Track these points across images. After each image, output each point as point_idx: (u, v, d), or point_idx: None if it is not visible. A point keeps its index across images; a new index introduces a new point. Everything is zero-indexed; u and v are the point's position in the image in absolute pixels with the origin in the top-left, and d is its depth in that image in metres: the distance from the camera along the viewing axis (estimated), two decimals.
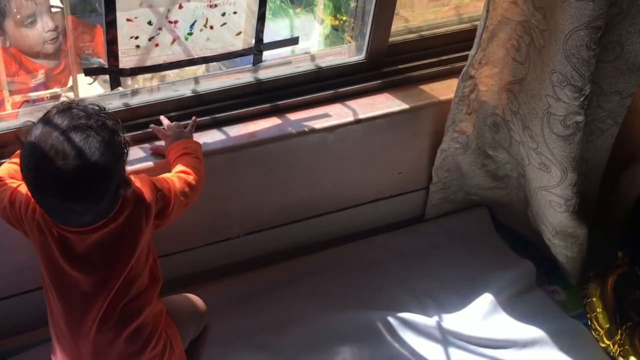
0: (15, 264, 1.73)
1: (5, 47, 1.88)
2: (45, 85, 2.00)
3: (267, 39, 1.79)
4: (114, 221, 1.41)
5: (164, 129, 1.71)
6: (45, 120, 1.34)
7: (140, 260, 1.48)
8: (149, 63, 1.67)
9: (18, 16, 1.84)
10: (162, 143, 1.71)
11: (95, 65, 1.83)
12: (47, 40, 1.91)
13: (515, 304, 2.06)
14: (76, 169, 1.29)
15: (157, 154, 1.72)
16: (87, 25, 2.01)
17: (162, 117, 1.73)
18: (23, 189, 1.43)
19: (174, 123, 1.71)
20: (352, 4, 1.98)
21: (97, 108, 1.38)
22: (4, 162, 1.55)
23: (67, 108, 1.35)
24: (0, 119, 1.70)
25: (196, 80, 1.86)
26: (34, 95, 1.83)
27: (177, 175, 1.57)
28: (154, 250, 1.55)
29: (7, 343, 1.83)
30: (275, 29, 2.19)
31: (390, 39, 1.96)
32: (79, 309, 1.45)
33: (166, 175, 1.56)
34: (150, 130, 1.71)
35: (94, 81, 1.94)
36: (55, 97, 1.89)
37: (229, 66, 2.03)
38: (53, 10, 1.96)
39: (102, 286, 1.44)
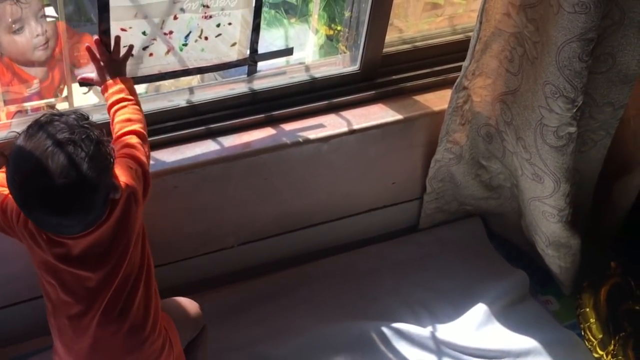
0: (10, 274, 1.73)
1: None
2: (39, 95, 2.00)
3: (261, 49, 1.79)
4: (106, 221, 1.40)
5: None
6: (28, 135, 1.31)
7: (136, 247, 1.48)
8: (142, 73, 1.67)
9: (5, 23, 1.83)
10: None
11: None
12: (37, 46, 1.90)
13: (509, 314, 2.06)
14: (63, 186, 1.27)
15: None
16: (79, 34, 2.00)
17: (115, 38, 1.58)
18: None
19: (112, 52, 1.58)
20: (347, 14, 1.98)
21: (80, 118, 1.35)
22: None
23: (49, 121, 1.32)
24: None
25: (191, 90, 1.86)
26: (28, 105, 1.82)
27: (133, 131, 1.50)
28: (147, 234, 1.53)
29: (7, 351, 1.83)
30: (270, 39, 2.19)
31: (385, 50, 1.97)
32: (83, 302, 1.45)
33: (124, 139, 1.50)
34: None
35: (88, 91, 1.93)
36: (51, 107, 1.88)
37: (224, 76, 2.04)
38: (48, 20, 1.96)
39: (105, 281, 1.44)
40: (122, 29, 1.59)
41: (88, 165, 1.29)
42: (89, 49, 1.56)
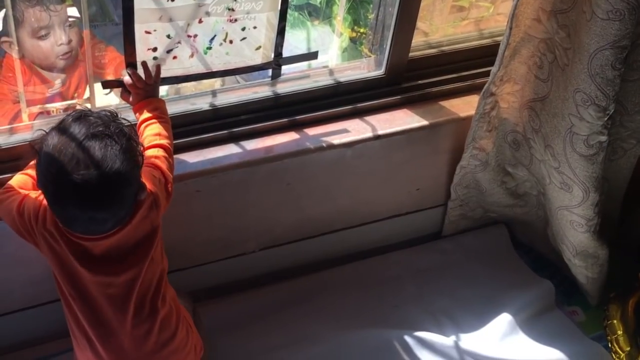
0: (32, 276, 1.72)
1: (18, 57, 1.87)
2: (61, 96, 1.99)
3: (284, 51, 1.77)
4: (129, 224, 1.42)
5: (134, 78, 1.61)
6: (62, 128, 1.34)
7: (157, 247, 1.50)
8: (165, 74, 1.65)
9: (32, 27, 1.83)
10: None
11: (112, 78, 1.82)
12: (60, 54, 1.90)
13: (534, 325, 2.03)
14: (98, 177, 1.29)
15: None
16: (104, 45, 2.00)
17: (142, 65, 1.60)
18: (31, 198, 1.42)
19: (144, 78, 1.61)
20: (372, 17, 1.96)
21: (110, 115, 1.38)
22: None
23: (82, 116, 1.35)
24: (15, 131, 1.69)
25: (213, 93, 1.85)
26: (50, 106, 1.81)
27: (160, 145, 1.54)
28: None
29: (26, 355, 1.83)
30: (293, 41, 2.17)
31: (410, 54, 1.94)
32: (110, 310, 1.46)
33: (152, 152, 1.53)
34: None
35: (110, 92, 1.92)
36: (72, 108, 1.87)
37: (246, 80, 2.02)
38: (70, 19, 1.96)
39: (129, 284, 1.46)
40: (147, 32, 1.57)
41: (122, 158, 1.32)
42: (130, 85, 1.59)
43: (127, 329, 1.49)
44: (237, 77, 2.02)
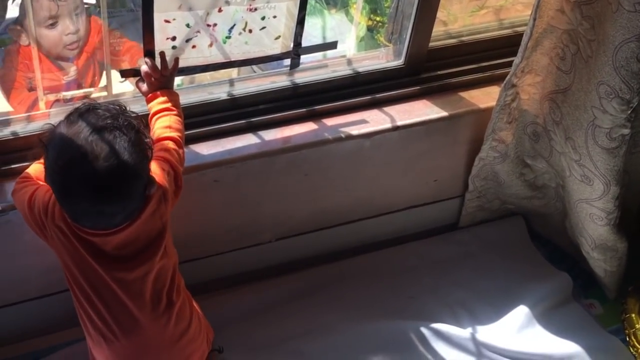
0: (49, 265, 1.71)
1: (26, 45, 1.87)
2: (77, 83, 1.98)
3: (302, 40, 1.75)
4: (139, 218, 1.40)
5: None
6: (70, 121, 1.32)
7: (169, 239, 1.50)
8: (184, 64, 1.64)
9: (39, 16, 1.82)
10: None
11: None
12: (67, 44, 1.89)
13: (551, 317, 2.02)
14: (107, 169, 1.28)
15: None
16: (120, 38, 1.99)
17: (160, 54, 1.59)
18: (41, 192, 1.42)
19: (161, 68, 1.60)
20: (391, 6, 1.93)
21: (119, 107, 1.37)
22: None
23: (90, 109, 1.34)
24: (33, 119, 1.68)
25: (231, 82, 1.83)
26: (67, 94, 1.80)
27: (170, 137, 1.53)
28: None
29: (39, 343, 1.83)
30: (309, 30, 2.15)
31: (430, 44, 1.92)
32: (127, 305, 1.46)
33: (162, 144, 1.52)
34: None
35: (125, 80, 1.91)
36: (88, 96, 1.86)
37: (263, 69, 2.00)
38: (85, 5, 1.94)
39: (144, 279, 1.46)
40: (166, 21, 1.56)
41: (131, 151, 1.31)
42: (145, 74, 1.57)
43: (145, 323, 1.49)
44: (254, 66, 2.01)
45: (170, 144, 1.52)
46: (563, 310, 2.05)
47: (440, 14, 2.03)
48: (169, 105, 1.56)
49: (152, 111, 1.57)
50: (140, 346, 1.50)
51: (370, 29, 2.18)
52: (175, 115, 1.56)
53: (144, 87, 1.59)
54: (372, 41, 2.14)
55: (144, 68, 1.57)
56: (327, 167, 1.89)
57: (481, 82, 1.99)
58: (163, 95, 1.57)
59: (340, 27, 2.23)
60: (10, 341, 1.81)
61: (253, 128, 1.80)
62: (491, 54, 2.01)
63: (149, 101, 1.59)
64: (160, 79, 1.58)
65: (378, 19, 2.16)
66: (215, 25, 1.61)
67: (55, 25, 1.85)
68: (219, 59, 1.68)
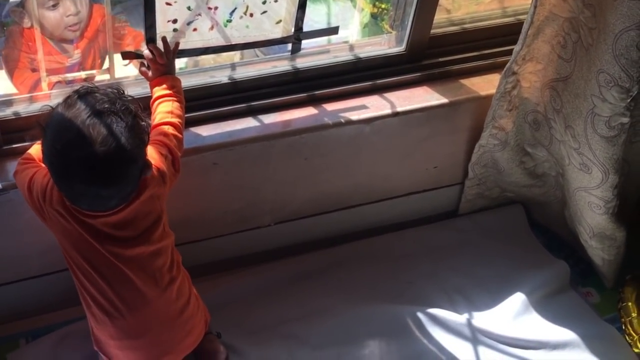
0: (50, 243, 1.73)
1: (28, 27, 1.87)
2: (80, 65, 1.99)
3: (304, 26, 1.75)
4: (136, 199, 1.42)
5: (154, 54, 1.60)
6: (68, 104, 1.34)
7: (166, 219, 1.52)
8: (185, 47, 1.64)
9: None
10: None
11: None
12: (68, 25, 1.89)
13: (548, 305, 2.03)
14: (104, 153, 1.30)
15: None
16: (123, 25, 2.00)
17: (162, 40, 1.61)
18: (40, 175, 1.43)
19: (164, 53, 1.60)
20: None
21: (116, 92, 1.38)
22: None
23: (89, 92, 1.35)
24: (35, 99, 1.69)
25: (233, 66, 1.84)
26: (70, 76, 1.81)
27: (170, 122, 1.54)
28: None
29: (39, 321, 1.85)
30: (312, 16, 2.15)
31: (432, 31, 1.92)
32: (128, 284, 1.48)
33: (161, 129, 1.54)
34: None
35: (129, 63, 1.92)
36: (91, 78, 1.87)
37: (265, 53, 2.01)
38: None
39: (144, 257, 1.48)
40: (167, 3, 1.56)
41: (127, 136, 1.32)
42: (148, 58, 1.58)
43: (152, 298, 1.51)
44: (256, 50, 2.01)
45: (170, 129, 1.54)
46: (560, 298, 2.06)
47: (445, 1, 2.03)
48: (172, 91, 1.58)
49: (154, 95, 1.59)
50: (145, 321, 1.53)
51: (374, 16, 2.18)
52: (176, 101, 1.58)
53: (149, 72, 1.60)
54: (376, 28, 2.14)
55: (147, 53, 1.58)
56: (327, 152, 1.90)
57: (482, 70, 1.99)
58: (167, 81, 1.59)
59: (344, 13, 2.23)
60: (10, 319, 1.83)
61: (253, 112, 1.81)
62: (493, 42, 2.00)
63: (152, 86, 1.60)
64: (164, 64, 1.59)
65: (383, 6, 2.16)
66: (216, 8, 1.62)
67: (57, 6, 1.86)
68: (220, 42, 1.68)
